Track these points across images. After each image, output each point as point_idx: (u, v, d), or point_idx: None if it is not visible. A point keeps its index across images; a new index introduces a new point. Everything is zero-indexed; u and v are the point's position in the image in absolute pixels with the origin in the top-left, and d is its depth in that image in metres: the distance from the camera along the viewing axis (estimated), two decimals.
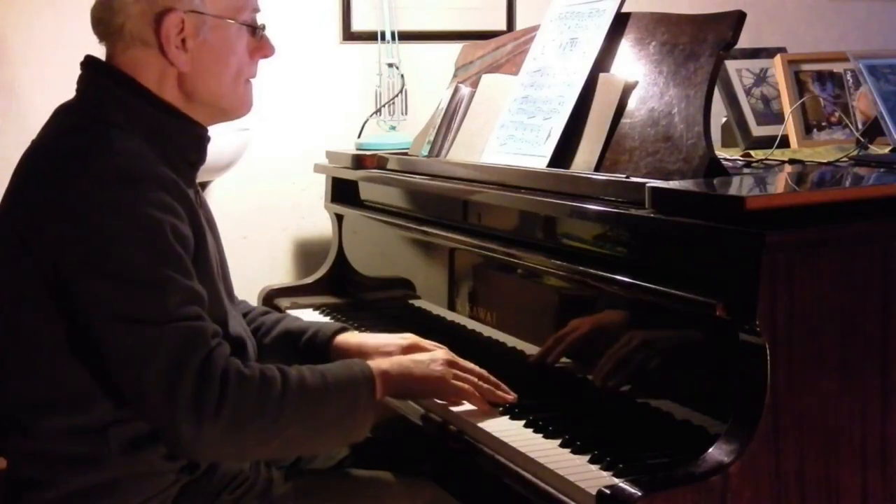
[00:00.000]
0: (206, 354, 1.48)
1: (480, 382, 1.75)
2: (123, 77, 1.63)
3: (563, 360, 1.79)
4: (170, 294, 1.49)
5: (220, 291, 1.66)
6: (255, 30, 1.71)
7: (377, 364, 1.68)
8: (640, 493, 1.30)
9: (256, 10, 1.73)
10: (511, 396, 1.75)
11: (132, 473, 1.58)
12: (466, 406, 1.76)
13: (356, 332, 1.96)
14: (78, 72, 1.67)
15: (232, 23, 1.67)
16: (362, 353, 1.83)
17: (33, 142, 1.66)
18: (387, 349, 1.85)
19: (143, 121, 1.61)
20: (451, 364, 1.75)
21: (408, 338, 1.87)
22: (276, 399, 1.52)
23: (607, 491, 1.33)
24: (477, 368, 1.78)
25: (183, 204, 1.57)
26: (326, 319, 2.39)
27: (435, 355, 1.77)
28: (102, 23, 1.64)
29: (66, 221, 1.49)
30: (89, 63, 1.68)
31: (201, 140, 1.70)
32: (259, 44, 1.72)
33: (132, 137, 1.57)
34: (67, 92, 1.67)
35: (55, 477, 1.57)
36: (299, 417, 1.55)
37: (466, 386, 1.74)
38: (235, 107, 1.73)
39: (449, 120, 2.32)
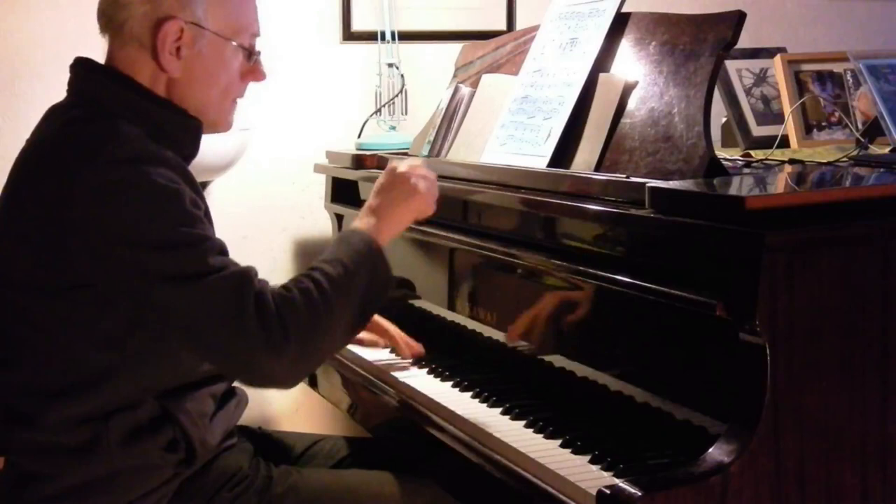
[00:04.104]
0: (257, 291, 1.53)
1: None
2: (116, 73, 1.66)
3: (564, 359, 1.79)
4: (207, 249, 1.53)
5: None
6: (250, 54, 1.72)
7: (367, 224, 1.72)
8: (640, 493, 1.30)
9: (256, 34, 1.75)
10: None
11: (130, 466, 1.59)
12: (470, 407, 1.76)
13: None
14: None
15: (229, 43, 1.68)
16: None
17: (31, 141, 1.66)
18: None
19: (139, 114, 1.63)
20: (420, 176, 1.79)
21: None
22: (321, 301, 1.57)
23: (607, 491, 1.34)
24: (428, 173, 1.82)
25: (190, 187, 1.60)
26: None
27: (407, 173, 1.79)
28: (106, 16, 1.67)
29: (90, 207, 1.51)
30: (80, 63, 1.70)
31: (196, 133, 1.72)
32: (252, 68, 1.75)
33: (133, 128, 1.59)
34: None
35: (56, 470, 1.58)
36: (344, 304, 1.60)
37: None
38: (217, 122, 1.75)
39: (449, 120, 2.32)
